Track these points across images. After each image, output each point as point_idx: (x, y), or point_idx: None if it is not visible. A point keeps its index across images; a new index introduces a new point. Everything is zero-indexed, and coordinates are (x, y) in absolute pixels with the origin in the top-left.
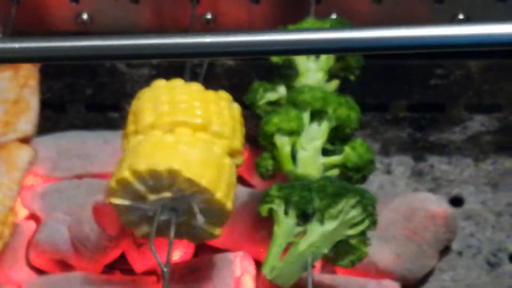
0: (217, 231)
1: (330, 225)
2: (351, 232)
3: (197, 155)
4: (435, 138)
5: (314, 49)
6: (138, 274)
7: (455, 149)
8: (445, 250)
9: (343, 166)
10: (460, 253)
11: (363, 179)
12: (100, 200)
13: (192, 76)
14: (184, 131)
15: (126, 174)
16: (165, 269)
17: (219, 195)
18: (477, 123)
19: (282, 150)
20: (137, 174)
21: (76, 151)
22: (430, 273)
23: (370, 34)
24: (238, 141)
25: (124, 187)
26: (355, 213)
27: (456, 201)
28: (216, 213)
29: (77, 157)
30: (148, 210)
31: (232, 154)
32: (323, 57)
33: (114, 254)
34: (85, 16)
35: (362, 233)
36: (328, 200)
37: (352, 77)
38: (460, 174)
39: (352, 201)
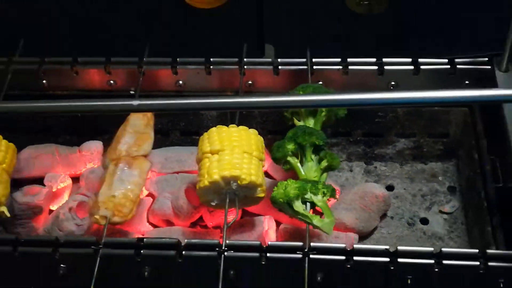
0: (259, 199)
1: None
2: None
3: (252, 166)
4: (378, 152)
5: (316, 105)
6: (210, 228)
7: (389, 158)
8: (383, 216)
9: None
10: (392, 218)
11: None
12: (189, 186)
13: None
14: (247, 155)
15: (217, 177)
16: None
17: (259, 184)
18: (402, 143)
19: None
20: (223, 178)
21: (175, 158)
22: (374, 229)
23: (350, 96)
24: (262, 158)
25: (212, 184)
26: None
27: (390, 188)
28: (254, 194)
29: (176, 161)
30: (221, 194)
31: (262, 162)
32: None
33: (196, 216)
34: (181, 82)
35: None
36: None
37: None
38: (392, 172)
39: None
